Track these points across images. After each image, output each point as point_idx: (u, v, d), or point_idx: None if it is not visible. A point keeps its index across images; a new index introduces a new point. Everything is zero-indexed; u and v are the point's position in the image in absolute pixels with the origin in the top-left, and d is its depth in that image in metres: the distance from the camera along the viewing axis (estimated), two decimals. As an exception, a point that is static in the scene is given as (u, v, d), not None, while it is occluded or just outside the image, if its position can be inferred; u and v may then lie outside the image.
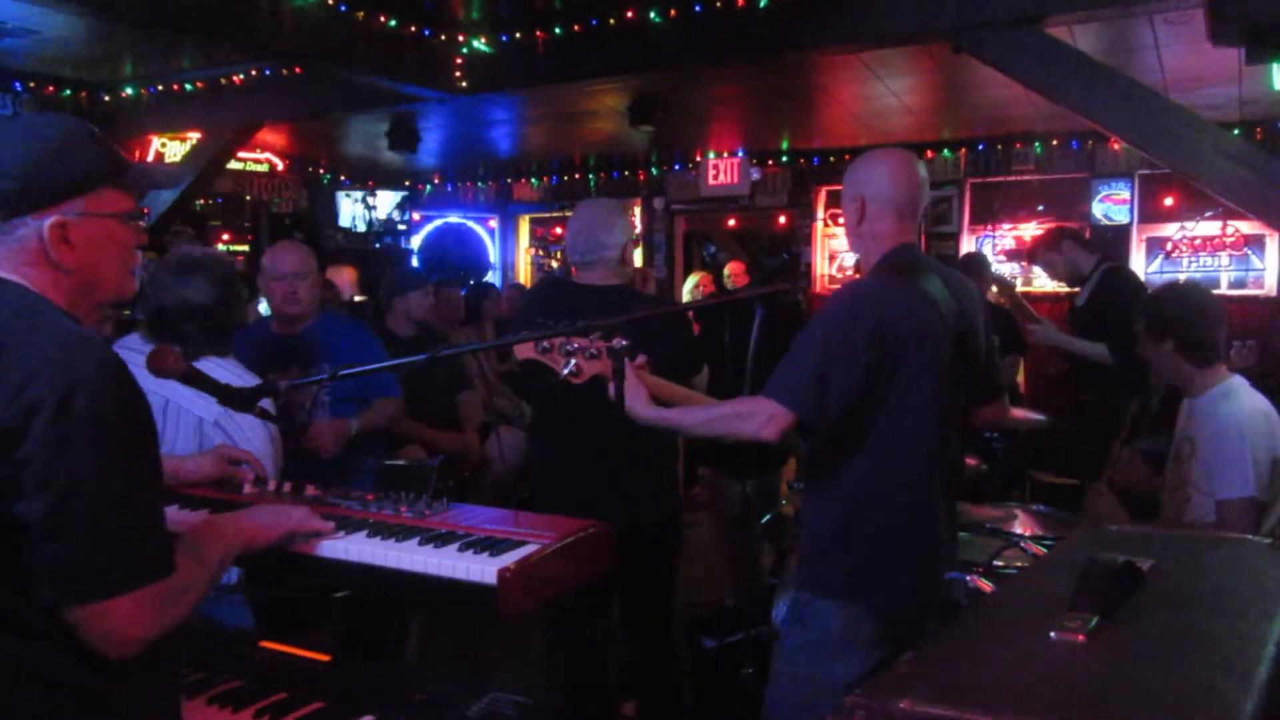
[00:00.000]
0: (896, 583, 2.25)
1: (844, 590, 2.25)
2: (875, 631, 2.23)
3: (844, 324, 2.19)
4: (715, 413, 2.27)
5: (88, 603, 1.30)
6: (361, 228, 9.75)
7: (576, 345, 2.22)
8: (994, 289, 5.86)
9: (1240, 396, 2.80)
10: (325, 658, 1.94)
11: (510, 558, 1.69)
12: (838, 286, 8.32)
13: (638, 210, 9.65)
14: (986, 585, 2.33)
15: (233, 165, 8.49)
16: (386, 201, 10.02)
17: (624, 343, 2.19)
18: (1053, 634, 1.04)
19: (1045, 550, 2.59)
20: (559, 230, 10.45)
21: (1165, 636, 1.09)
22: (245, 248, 9.02)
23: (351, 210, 9.79)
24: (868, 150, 2.48)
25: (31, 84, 6.71)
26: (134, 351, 2.52)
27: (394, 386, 3.57)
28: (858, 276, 2.58)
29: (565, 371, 2.24)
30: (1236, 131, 6.21)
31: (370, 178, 10.10)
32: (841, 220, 2.81)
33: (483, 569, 1.67)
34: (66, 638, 1.32)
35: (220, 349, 2.68)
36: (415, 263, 9.74)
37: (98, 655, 1.33)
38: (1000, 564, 2.65)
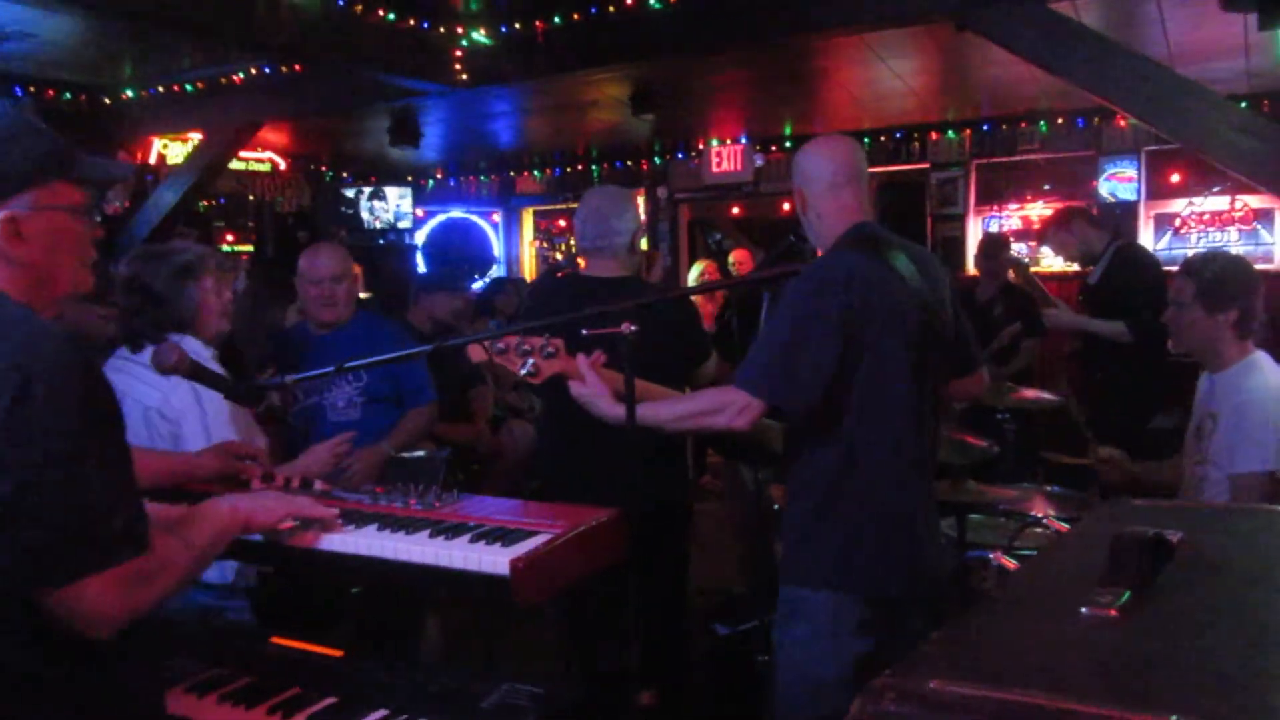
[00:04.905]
0: (878, 565, 2.20)
1: (827, 579, 2.21)
2: (863, 618, 2.19)
3: (810, 303, 2.15)
4: (685, 408, 2.25)
5: (54, 586, 1.29)
6: (376, 225, 9.70)
7: (531, 345, 2.20)
8: (1011, 271, 5.82)
9: (1265, 371, 2.76)
10: (337, 653, 1.92)
11: (522, 548, 1.67)
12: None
13: (641, 200, 9.61)
14: (1011, 563, 2.30)
15: (235, 165, 8.46)
16: (394, 198, 9.99)
17: (633, 328, 2.15)
18: (1084, 609, 1.01)
19: (1067, 528, 2.55)
20: (563, 222, 10.42)
21: (1200, 609, 1.06)
22: (249, 248, 9.01)
23: (368, 209, 9.73)
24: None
25: (31, 88, 6.70)
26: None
27: (428, 391, 3.43)
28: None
29: (523, 372, 2.21)
30: (1244, 104, 6.15)
31: (373, 174, 10.07)
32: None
33: (495, 560, 1.65)
34: (37, 626, 1.31)
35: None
36: (420, 259, 9.72)
37: (71, 643, 1.33)
38: (1018, 544, 2.63)
